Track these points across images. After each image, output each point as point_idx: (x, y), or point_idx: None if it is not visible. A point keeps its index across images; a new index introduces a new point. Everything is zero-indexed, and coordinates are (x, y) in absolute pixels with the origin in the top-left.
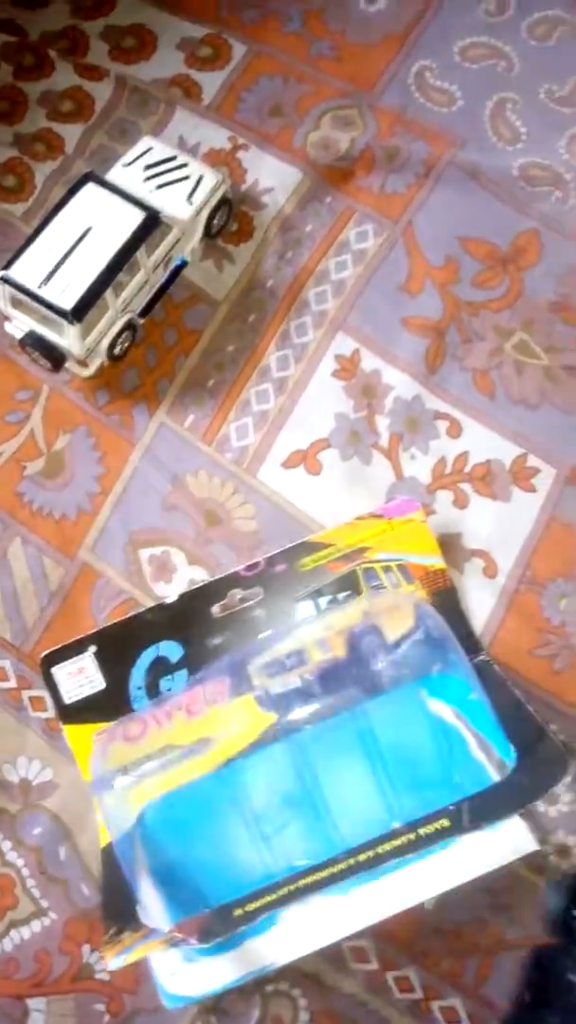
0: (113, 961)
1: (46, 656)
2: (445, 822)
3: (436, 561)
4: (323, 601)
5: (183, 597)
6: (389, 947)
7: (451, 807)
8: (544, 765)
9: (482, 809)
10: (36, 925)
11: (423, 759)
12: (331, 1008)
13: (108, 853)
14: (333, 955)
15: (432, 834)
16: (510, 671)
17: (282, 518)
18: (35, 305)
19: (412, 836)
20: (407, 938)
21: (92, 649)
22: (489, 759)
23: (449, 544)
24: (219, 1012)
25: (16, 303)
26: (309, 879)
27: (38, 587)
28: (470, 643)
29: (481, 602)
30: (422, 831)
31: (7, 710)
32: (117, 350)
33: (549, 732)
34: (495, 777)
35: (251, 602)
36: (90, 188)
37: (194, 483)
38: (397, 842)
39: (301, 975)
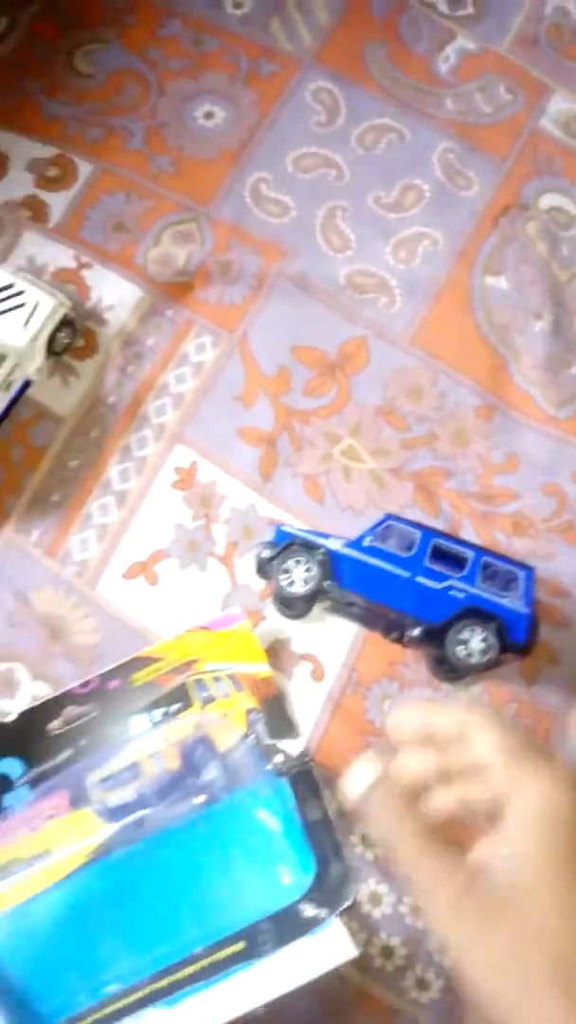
0: None
1: None
2: (240, 945)
3: (263, 669)
4: (157, 714)
5: (22, 716)
6: None
7: (248, 928)
8: (336, 886)
9: (278, 930)
10: None
11: (236, 873)
12: None
13: None
14: None
15: (227, 959)
16: (332, 775)
17: (121, 630)
18: None
19: (207, 962)
20: None
21: None
22: (290, 875)
23: (279, 649)
24: None
25: None
26: (119, 1004)
27: None
28: (296, 748)
29: (309, 705)
30: (219, 955)
31: None
32: None
33: (343, 851)
34: (293, 897)
35: (86, 718)
36: None
37: (38, 599)
38: (192, 968)
39: None
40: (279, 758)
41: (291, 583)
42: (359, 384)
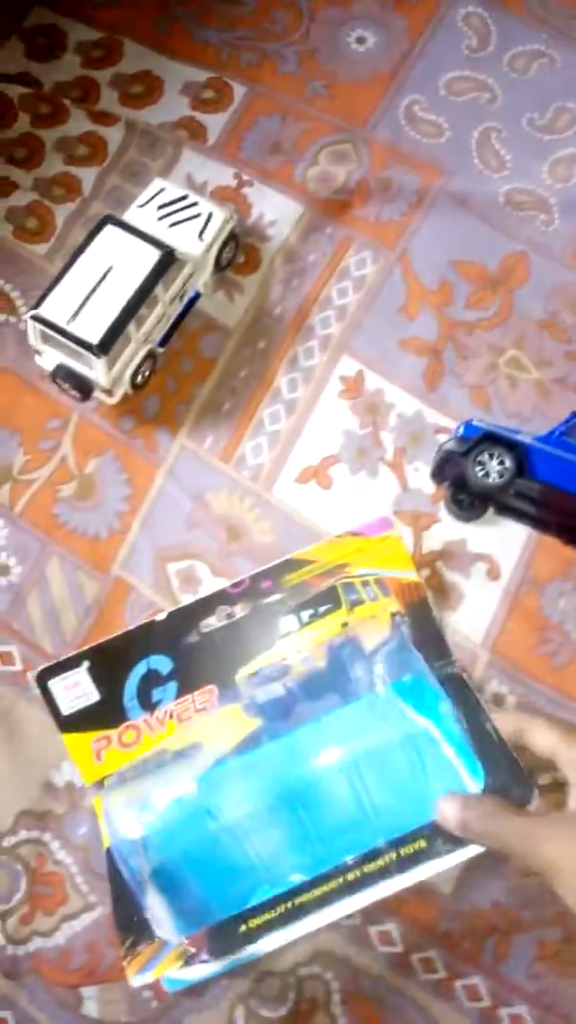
0: (135, 978)
1: (42, 671)
2: (422, 843)
3: (410, 575)
4: (305, 615)
5: (172, 614)
6: (412, 931)
7: (428, 827)
8: (510, 789)
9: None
10: (86, 919)
11: (401, 771)
12: (361, 989)
13: (110, 857)
14: (361, 938)
15: (411, 855)
16: (510, 668)
17: (298, 530)
18: (64, 340)
19: (394, 855)
20: (429, 922)
21: (85, 665)
22: (463, 776)
23: (455, 549)
24: (258, 996)
25: (46, 339)
26: (305, 897)
27: (75, 602)
28: (443, 652)
29: (487, 602)
30: (403, 851)
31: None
32: (139, 379)
33: (513, 752)
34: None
35: (237, 616)
36: (109, 229)
37: (215, 501)
38: (381, 862)
39: (332, 959)
40: (428, 660)
41: (486, 475)
42: (520, 298)
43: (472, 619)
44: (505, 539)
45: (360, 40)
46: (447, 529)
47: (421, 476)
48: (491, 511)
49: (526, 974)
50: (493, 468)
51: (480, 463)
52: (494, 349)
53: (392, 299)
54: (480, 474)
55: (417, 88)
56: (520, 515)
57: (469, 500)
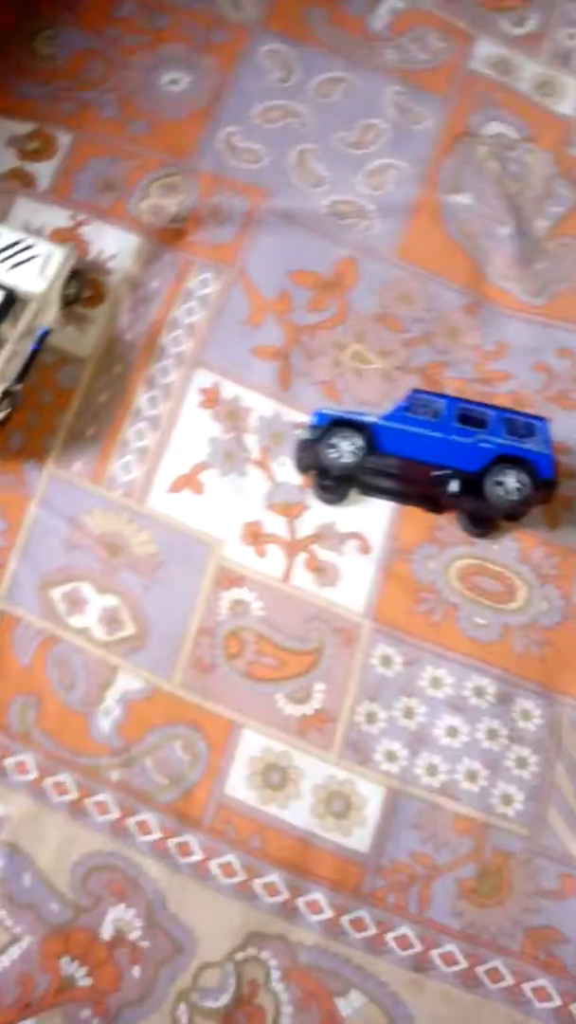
0: None
1: None
2: None
3: None
4: None
5: None
6: (340, 895)
7: None
8: None
9: None
10: (14, 951)
11: None
12: (297, 961)
13: None
14: (290, 912)
15: None
16: (393, 631)
17: (177, 536)
18: None
19: None
20: (354, 884)
21: None
22: None
23: (326, 532)
24: (198, 990)
25: None
26: None
27: None
28: None
29: (363, 574)
30: None
31: None
32: (0, 416)
33: None
34: None
35: None
36: None
37: (91, 521)
38: None
39: (265, 938)
40: None
41: (339, 456)
42: (355, 297)
43: (351, 593)
44: (371, 515)
45: (173, 81)
46: (318, 514)
47: (288, 470)
48: (355, 492)
49: (450, 913)
50: (346, 449)
51: (333, 446)
52: (338, 346)
53: (237, 312)
54: (334, 456)
55: (232, 120)
56: (381, 491)
57: (333, 484)
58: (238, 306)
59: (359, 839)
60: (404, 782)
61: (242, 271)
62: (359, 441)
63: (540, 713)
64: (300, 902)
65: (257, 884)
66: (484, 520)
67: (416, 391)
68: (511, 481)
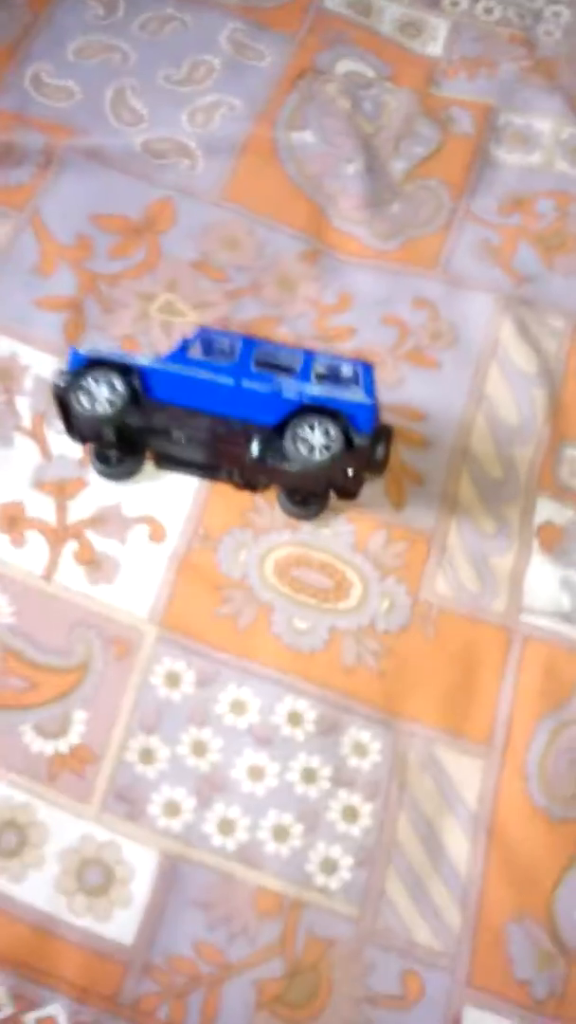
0: None
1: None
2: None
3: None
4: None
5: None
6: (87, 1007)
7: None
8: None
9: None
10: None
11: None
12: None
13: None
14: None
15: None
16: (185, 640)
17: None
18: None
19: None
20: (109, 989)
21: None
22: None
23: (107, 515)
24: None
25: None
26: None
27: None
28: None
29: (151, 568)
30: None
31: None
32: None
33: None
34: None
35: None
36: None
37: None
38: None
39: None
40: None
41: (93, 403)
42: (169, 241)
43: (133, 591)
44: (169, 495)
45: None
46: (99, 494)
47: (67, 441)
48: (150, 468)
49: None
50: (102, 396)
51: (86, 391)
52: (144, 297)
53: (24, 260)
54: (86, 405)
55: (43, 57)
56: (182, 463)
57: (118, 455)
58: (26, 253)
59: (121, 925)
60: (188, 844)
61: (35, 215)
62: (120, 386)
63: (378, 747)
64: (30, 1020)
65: None
66: (309, 498)
67: (204, 328)
68: (317, 436)
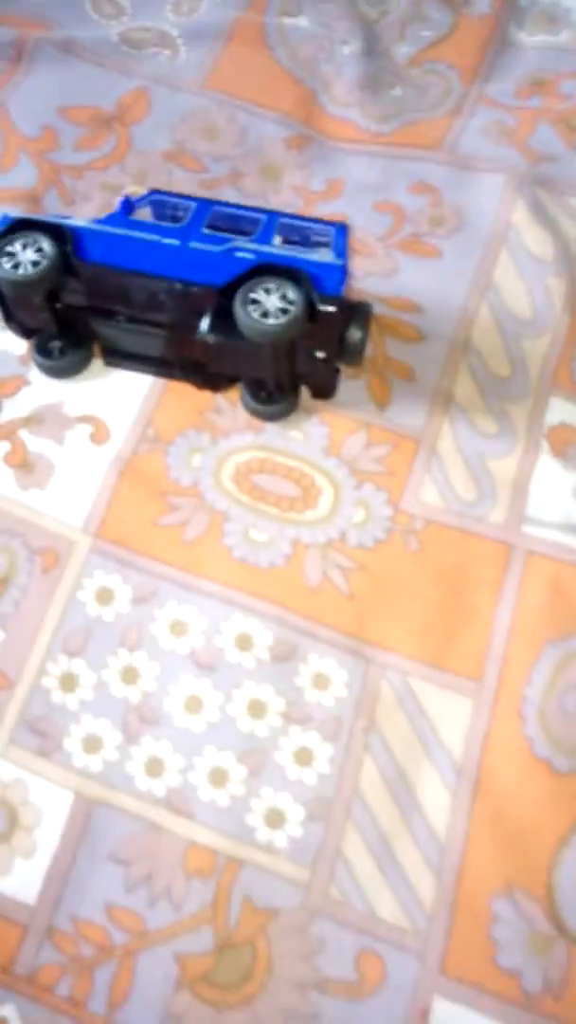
0: None
1: None
2: None
3: None
4: None
5: None
6: None
7: None
8: None
9: None
10: None
11: None
12: None
13: None
14: None
15: None
16: (122, 553)
17: None
18: None
19: None
20: (3, 957)
21: None
22: None
23: (45, 415)
24: None
25: None
26: None
27: None
28: None
29: (90, 471)
30: None
31: None
32: None
33: None
34: None
35: None
36: None
37: None
38: None
39: None
40: None
41: (16, 266)
42: (140, 132)
43: (67, 497)
44: (118, 394)
45: None
46: (40, 392)
47: (10, 338)
48: (100, 366)
49: (160, 1018)
50: (27, 258)
51: (10, 255)
52: (109, 188)
53: None
54: (8, 266)
55: None
56: (134, 359)
57: (60, 346)
58: None
59: (22, 880)
60: (108, 786)
61: (1, 109)
62: (47, 247)
63: (344, 679)
64: None
65: None
66: (276, 395)
67: (155, 191)
68: (273, 299)
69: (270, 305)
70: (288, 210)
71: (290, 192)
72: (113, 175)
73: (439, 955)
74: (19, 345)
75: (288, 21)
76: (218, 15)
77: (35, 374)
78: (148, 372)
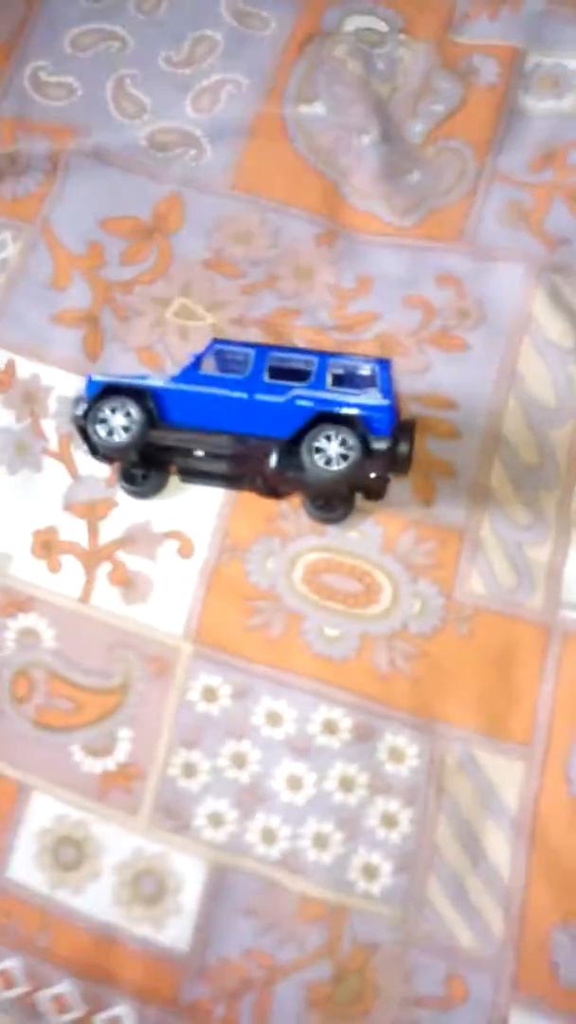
0: None
1: None
2: None
3: None
4: None
5: None
6: (150, 1007)
7: None
8: None
9: None
10: None
11: None
12: None
13: None
14: None
15: None
16: (219, 655)
17: None
18: None
19: None
20: (168, 992)
21: None
22: None
23: (137, 534)
24: None
25: None
26: None
27: None
28: None
29: (181, 584)
30: None
31: None
32: None
33: None
34: None
35: None
36: None
37: None
38: None
39: None
40: None
41: (110, 432)
42: (179, 242)
43: (167, 609)
44: (195, 508)
45: None
46: (128, 512)
47: (94, 461)
48: (176, 481)
49: None
50: (118, 424)
51: (103, 420)
52: (159, 302)
53: (39, 275)
54: (103, 433)
55: (40, 53)
56: (205, 475)
57: (143, 473)
58: (41, 267)
59: (176, 933)
60: (232, 854)
61: (45, 226)
62: (136, 412)
63: (415, 752)
64: (100, 1020)
65: (43, 997)
66: (333, 501)
67: (217, 340)
68: (333, 446)
69: (332, 452)
70: (322, 310)
71: (324, 291)
72: (160, 288)
73: (510, 975)
74: (103, 468)
75: (305, 110)
76: (237, 108)
77: (122, 494)
78: (219, 486)
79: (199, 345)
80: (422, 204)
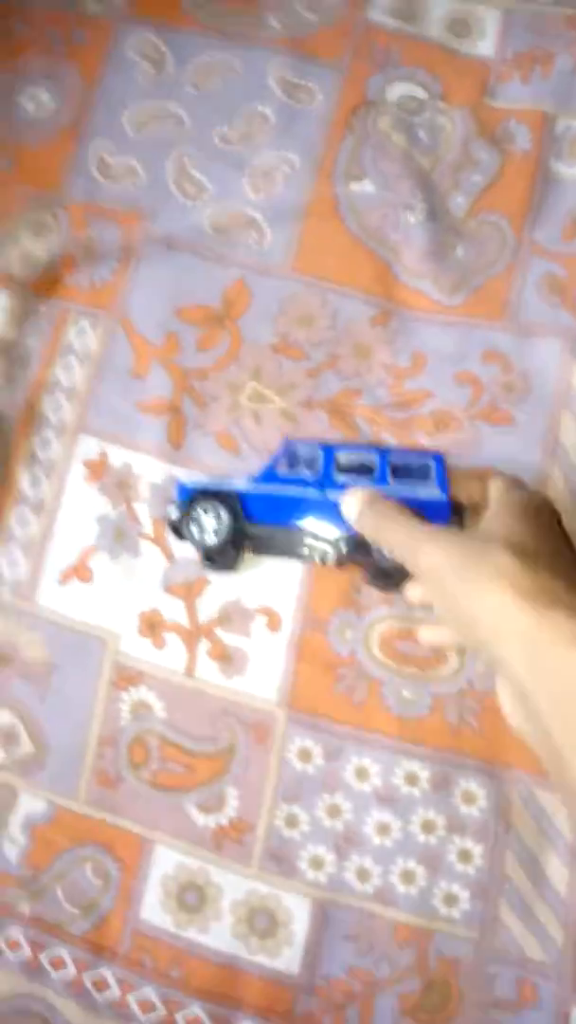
0: None
1: None
2: None
3: None
4: None
5: None
6: (270, 1022)
7: None
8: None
9: None
10: None
11: None
12: None
13: None
14: None
15: None
16: (311, 719)
17: (69, 636)
18: None
19: None
20: (284, 1008)
21: None
22: None
23: (231, 611)
24: None
25: None
26: None
27: None
28: None
29: (273, 658)
30: None
31: None
32: None
33: None
34: None
35: None
36: None
37: None
38: None
39: None
40: None
41: (203, 534)
42: (248, 325)
43: (263, 679)
44: (278, 583)
45: (34, 99)
46: (220, 590)
47: (185, 542)
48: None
49: None
50: (209, 526)
51: (195, 520)
52: (233, 387)
53: (120, 363)
54: (198, 536)
55: (103, 132)
56: (278, 550)
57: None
58: (121, 356)
59: (288, 959)
60: (333, 891)
61: (123, 314)
62: (224, 514)
63: (484, 795)
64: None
65: (180, 1018)
66: (391, 572)
67: (289, 440)
68: None
69: None
70: (380, 389)
71: (380, 370)
72: (233, 373)
73: (570, 979)
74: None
75: (355, 187)
76: (294, 189)
77: (209, 572)
78: (290, 558)
79: (272, 427)
80: (466, 282)
